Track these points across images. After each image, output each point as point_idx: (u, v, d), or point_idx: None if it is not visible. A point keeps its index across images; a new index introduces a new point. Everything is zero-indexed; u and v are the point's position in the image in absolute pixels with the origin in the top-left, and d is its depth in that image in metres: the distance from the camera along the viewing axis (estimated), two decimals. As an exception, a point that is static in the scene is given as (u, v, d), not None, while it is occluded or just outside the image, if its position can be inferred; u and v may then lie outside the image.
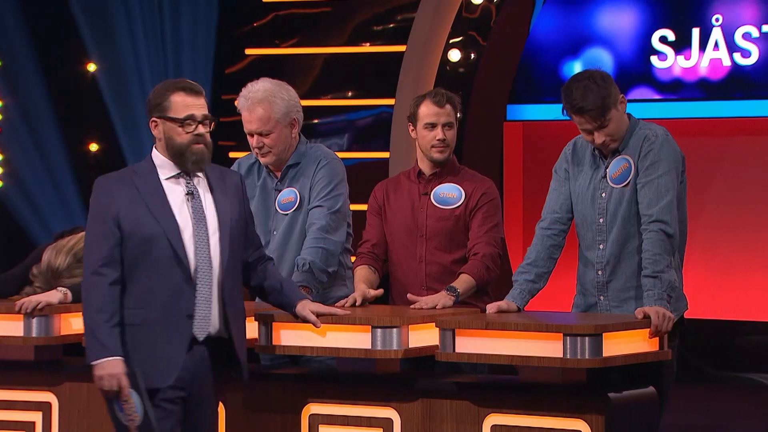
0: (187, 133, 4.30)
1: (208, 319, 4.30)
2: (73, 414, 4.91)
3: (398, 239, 5.11)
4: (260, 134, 5.10)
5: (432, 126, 5.05)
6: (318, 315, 4.48)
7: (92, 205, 4.35)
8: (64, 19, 8.44)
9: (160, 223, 4.24)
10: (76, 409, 4.91)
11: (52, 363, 5.00)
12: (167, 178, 4.32)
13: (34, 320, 4.84)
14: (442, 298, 4.80)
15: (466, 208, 5.03)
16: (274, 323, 4.62)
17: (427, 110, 5.05)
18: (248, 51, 8.35)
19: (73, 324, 4.93)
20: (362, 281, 5.01)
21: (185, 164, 4.30)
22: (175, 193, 4.31)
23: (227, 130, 8.46)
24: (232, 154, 8.36)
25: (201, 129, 4.31)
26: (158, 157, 4.34)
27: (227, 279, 4.33)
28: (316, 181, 5.11)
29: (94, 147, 8.61)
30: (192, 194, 4.32)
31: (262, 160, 5.16)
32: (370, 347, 4.49)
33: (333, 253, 5.04)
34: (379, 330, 4.47)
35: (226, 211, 4.34)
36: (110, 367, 4.17)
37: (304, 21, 8.33)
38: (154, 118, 4.34)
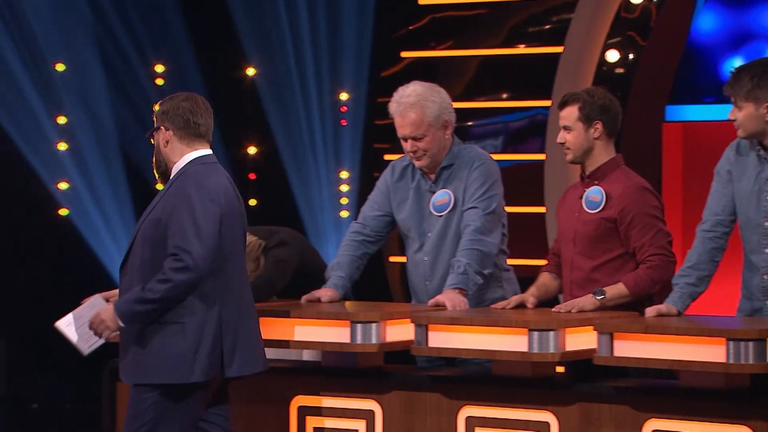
0: None
1: None
2: (234, 413, 4.94)
3: (561, 243, 5.06)
4: (414, 138, 5.10)
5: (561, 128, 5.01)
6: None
7: None
8: (224, 23, 8.59)
9: None
10: (237, 408, 4.94)
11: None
12: None
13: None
14: (583, 301, 4.74)
15: (609, 213, 4.90)
16: (429, 325, 4.63)
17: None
18: (404, 54, 8.37)
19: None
20: (535, 286, 4.98)
21: None
22: None
23: (383, 133, 8.48)
24: (387, 156, 8.38)
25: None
26: None
27: (124, 277, 4.54)
28: (470, 182, 5.09)
29: (252, 150, 8.74)
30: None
31: (416, 163, 5.16)
32: (526, 350, 4.46)
33: (488, 254, 5.01)
34: (535, 333, 4.45)
35: (147, 212, 4.56)
36: None
37: (459, 23, 8.32)
38: None
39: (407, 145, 5.12)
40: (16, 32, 8.25)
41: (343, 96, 8.58)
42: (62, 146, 8.49)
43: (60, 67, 8.44)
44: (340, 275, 5.19)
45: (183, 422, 4.49)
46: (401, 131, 5.12)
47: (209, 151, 4.63)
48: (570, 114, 4.94)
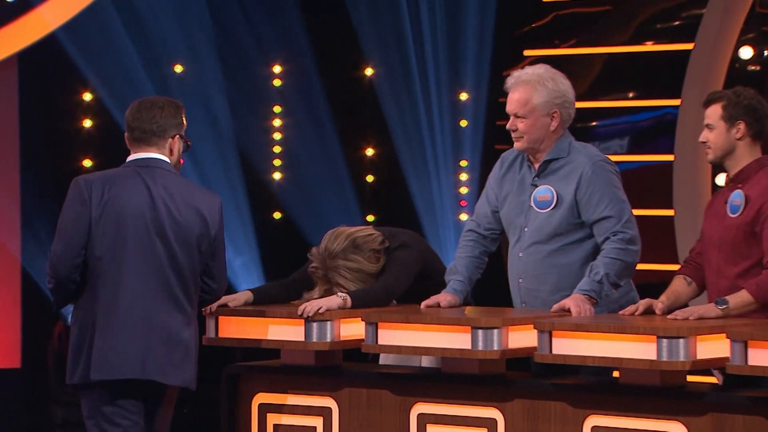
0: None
1: None
2: (352, 420, 5.02)
3: (707, 248, 4.99)
4: (516, 116, 5.07)
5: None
6: None
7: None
8: (343, 22, 8.65)
9: None
10: (355, 414, 5.02)
11: (332, 368, 5.13)
12: None
13: (315, 325, 4.97)
14: (703, 309, 4.66)
15: (747, 216, 4.82)
16: (553, 331, 4.61)
17: None
18: (527, 52, 8.35)
19: (352, 329, 5.05)
20: (665, 293, 4.90)
21: None
22: None
23: (504, 134, 8.46)
24: (508, 158, 8.36)
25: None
26: None
27: None
28: (591, 189, 4.99)
29: (369, 151, 8.78)
30: None
31: (515, 145, 5.12)
32: (655, 358, 4.42)
33: (630, 265, 4.96)
34: (664, 340, 4.40)
35: None
36: None
37: (584, 20, 8.27)
38: (177, 135, 4.79)
39: (509, 122, 5.11)
40: (136, 32, 8.40)
41: (464, 96, 8.57)
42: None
43: (178, 68, 8.58)
44: (459, 279, 5.20)
45: (110, 421, 4.65)
46: (508, 106, 5.10)
47: (145, 155, 4.79)
48: (713, 112, 4.89)
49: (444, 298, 5.13)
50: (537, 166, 5.12)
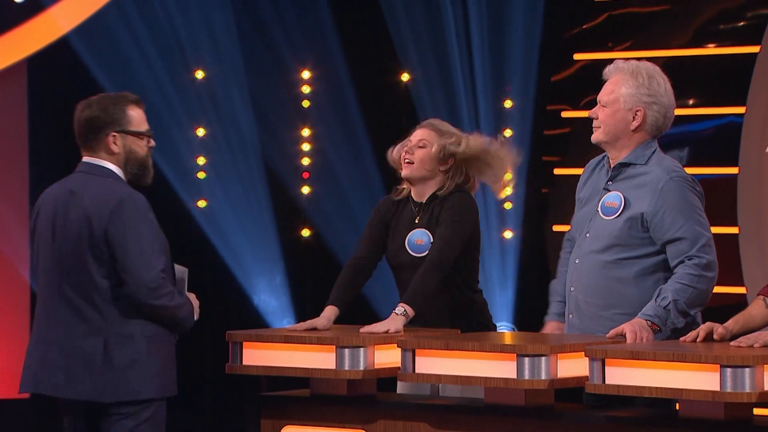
0: (147, 146, 4.87)
1: None
2: (387, 454, 5.04)
3: None
4: (600, 103, 5.11)
5: None
6: None
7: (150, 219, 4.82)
8: (377, 24, 8.67)
9: None
10: (390, 448, 5.03)
11: (366, 398, 5.14)
12: None
13: (347, 352, 4.98)
14: None
15: None
16: (606, 359, 4.60)
17: None
18: (577, 56, 8.36)
19: (387, 356, 5.06)
20: (734, 318, 4.86)
21: (146, 177, 4.87)
22: None
23: (552, 144, 8.47)
24: (557, 171, 8.36)
25: (152, 143, 4.90)
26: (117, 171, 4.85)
27: None
28: (665, 206, 4.98)
29: (406, 163, 8.79)
30: None
31: (592, 136, 5.12)
32: (718, 389, 4.40)
33: (703, 293, 4.93)
34: (728, 370, 4.38)
35: None
36: None
37: (640, 21, 8.27)
38: (113, 133, 4.81)
39: (592, 110, 5.14)
40: (155, 35, 8.45)
41: (508, 103, 8.57)
42: (201, 160, 8.67)
43: (199, 74, 8.62)
44: (558, 300, 5.24)
45: None
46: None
47: (84, 159, 4.92)
48: None
49: (548, 328, 5.22)
50: (612, 167, 5.13)
